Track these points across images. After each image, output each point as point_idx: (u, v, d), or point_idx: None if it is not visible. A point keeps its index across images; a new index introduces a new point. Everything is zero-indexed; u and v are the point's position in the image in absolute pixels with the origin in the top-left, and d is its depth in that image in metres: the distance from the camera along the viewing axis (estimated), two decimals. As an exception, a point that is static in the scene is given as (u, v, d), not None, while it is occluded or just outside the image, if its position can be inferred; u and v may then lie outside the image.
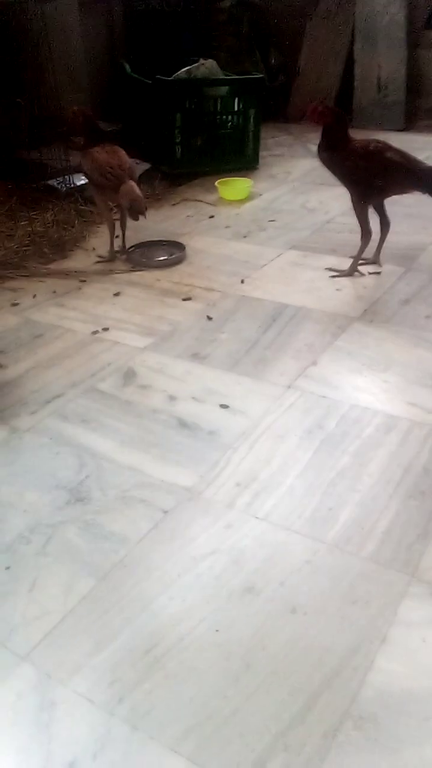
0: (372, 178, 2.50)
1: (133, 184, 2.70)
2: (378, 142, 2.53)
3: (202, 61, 4.02)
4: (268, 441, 1.79)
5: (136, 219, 2.76)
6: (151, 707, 1.15)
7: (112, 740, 1.10)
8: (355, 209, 2.59)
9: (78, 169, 3.42)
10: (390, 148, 2.51)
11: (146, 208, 2.78)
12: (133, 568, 1.42)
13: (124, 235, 2.93)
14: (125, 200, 2.70)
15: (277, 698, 1.16)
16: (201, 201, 3.64)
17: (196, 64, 3.95)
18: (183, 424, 1.86)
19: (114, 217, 2.91)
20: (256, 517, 1.54)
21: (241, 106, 3.96)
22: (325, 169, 2.58)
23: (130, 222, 2.85)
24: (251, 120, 4.02)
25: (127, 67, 4.22)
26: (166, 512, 1.56)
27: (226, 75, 4.12)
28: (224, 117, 3.97)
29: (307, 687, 1.18)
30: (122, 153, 2.78)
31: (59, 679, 1.20)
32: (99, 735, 1.11)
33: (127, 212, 2.77)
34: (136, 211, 2.72)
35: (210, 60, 4.04)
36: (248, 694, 1.17)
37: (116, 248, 2.95)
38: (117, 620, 1.30)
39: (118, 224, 2.90)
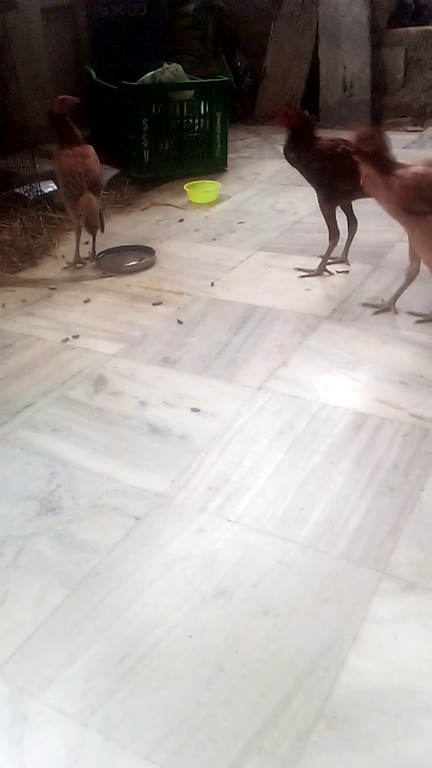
0: (338, 180, 2.51)
1: (91, 197, 2.70)
2: (346, 143, 2.55)
3: (166, 65, 4.02)
4: (240, 443, 1.79)
5: (92, 233, 2.80)
6: (125, 716, 1.14)
7: (86, 751, 1.10)
8: (322, 210, 2.61)
9: (46, 177, 3.42)
10: (356, 150, 2.53)
11: (102, 224, 2.81)
12: (106, 576, 1.41)
13: (94, 241, 2.92)
14: (82, 213, 2.72)
15: (251, 701, 1.16)
16: (170, 205, 3.64)
17: (160, 69, 3.95)
18: (154, 430, 1.86)
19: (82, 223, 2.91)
20: (228, 520, 1.54)
21: (207, 109, 3.96)
22: (294, 169, 2.59)
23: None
24: (218, 123, 4.03)
25: (93, 73, 4.21)
26: (138, 519, 1.56)
27: (192, 79, 4.13)
28: (191, 121, 3.97)
29: (281, 688, 1.18)
30: (92, 159, 2.78)
31: (31, 692, 1.19)
32: (73, 747, 1.10)
33: (83, 225, 2.78)
34: (92, 226, 2.75)
35: (175, 64, 4.04)
36: (222, 699, 1.17)
37: (86, 255, 2.94)
38: (90, 630, 1.30)
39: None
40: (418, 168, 2.04)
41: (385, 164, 2.06)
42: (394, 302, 2.37)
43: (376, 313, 2.38)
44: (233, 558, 1.44)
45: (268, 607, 1.33)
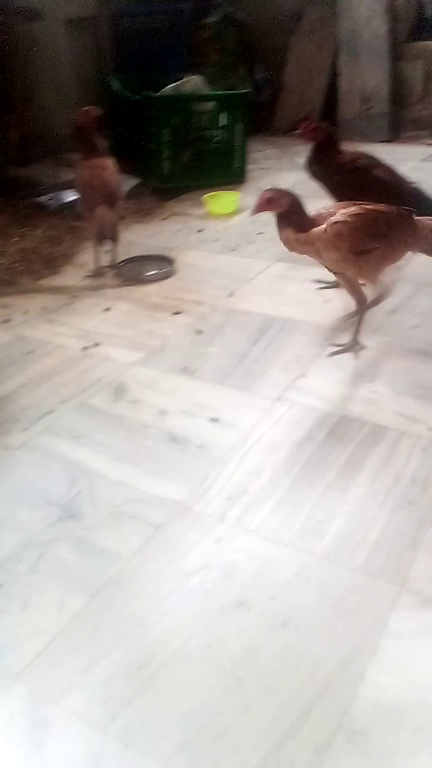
0: (359, 194, 2.52)
1: (104, 210, 2.74)
2: (368, 157, 2.56)
3: (188, 77, 4.07)
4: (258, 454, 1.80)
5: (100, 245, 2.88)
6: (144, 724, 1.15)
7: (105, 758, 1.10)
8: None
9: (67, 186, 3.46)
10: (378, 165, 2.55)
11: (116, 237, 2.86)
12: (125, 584, 1.42)
13: (114, 250, 2.95)
14: (95, 225, 2.79)
15: (269, 713, 1.17)
16: (189, 215, 3.66)
17: (182, 80, 3.99)
18: (173, 439, 1.87)
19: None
20: (247, 531, 1.55)
21: (227, 120, 4.00)
22: (315, 181, 2.61)
23: (120, 237, 2.88)
24: (238, 134, 4.06)
25: (115, 83, 4.26)
26: (157, 527, 1.57)
27: (213, 90, 4.17)
28: (211, 132, 4.01)
29: (299, 701, 1.18)
30: (109, 171, 2.81)
31: (52, 697, 1.20)
32: (92, 753, 1.11)
33: (95, 236, 2.85)
34: (105, 238, 2.83)
35: (196, 76, 4.09)
36: (240, 709, 1.17)
37: (106, 264, 2.97)
38: (109, 637, 1.31)
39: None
40: (352, 209, 2.01)
41: (304, 220, 2.00)
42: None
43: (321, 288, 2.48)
44: (252, 569, 1.45)
45: (287, 618, 1.33)
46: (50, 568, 1.47)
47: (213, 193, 3.75)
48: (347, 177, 2.52)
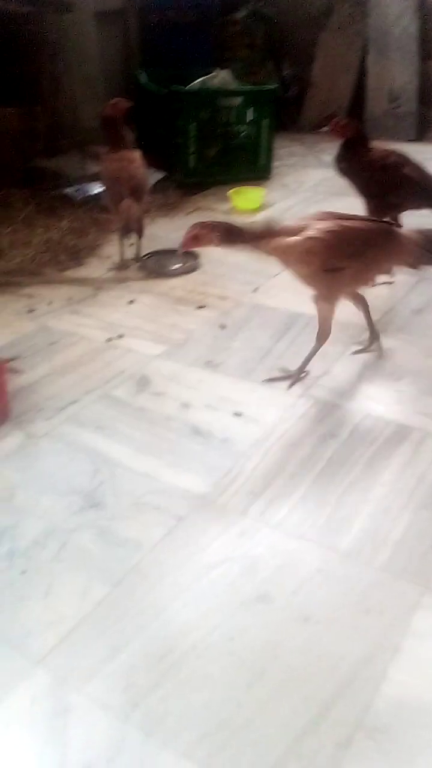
0: (386, 191, 2.51)
1: (130, 203, 2.74)
2: (398, 155, 2.55)
3: (216, 71, 4.06)
4: (282, 449, 1.79)
5: (125, 238, 2.89)
6: (165, 714, 1.15)
7: (126, 746, 1.11)
8: (369, 220, 2.60)
9: (93, 178, 3.47)
10: (408, 163, 2.53)
11: (141, 230, 2.87)
12: (147, 574, 1.43)
13: (139, 243, 2.96)
14: (120, 218, 2.79)
15: (290, 707, 1.16)
16: (214, 210, 3.66)
17: (210, 75, 3.99)
18: (196, 432, 1.87)
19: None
20: (269, 525, 1.55)
21: (254, 116, 3.99)
22: (343, 178, 2.60)
23: (144, 230, 2.89)
24: (265, 130, 4.05)
25: (142, 77, 4.26)
26: (179, 519, 1.57)
27: (240, 86, 4.16)
28: (238, 127, 4.00)
29: (320, 696, 1.18)
30: (136, 164, 2.82)
31: (74, 684, 1.21)
32: (114, 741, 1.12)
33: (119, 229, 2.86)
34: (130, 230, 2.83)
35: (224, 70, 4.08)
36: (261, 703, 1.17)
37: (131, 256, 2.97)
38: (131, 626, 1.31)
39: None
40: (328, 225, 1.87)
41: (250, 237, 1.85)
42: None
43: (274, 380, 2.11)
44: (274, 563, 1.45)
45: (309, 614, 1.33)
46: (73, 556, 1.48)
47: (238, 188, 3.75)
48: (376, 174, 2.51)
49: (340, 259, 1.90)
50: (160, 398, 2.03)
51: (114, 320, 2.52)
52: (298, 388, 2.05)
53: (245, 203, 3.65)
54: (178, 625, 1.32)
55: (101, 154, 2.92)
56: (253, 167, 4.11)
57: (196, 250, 2.99)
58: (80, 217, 3.34)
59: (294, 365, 2.13)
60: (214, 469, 1.73)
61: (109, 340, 2.37)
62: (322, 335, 2.06)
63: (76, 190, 3.51)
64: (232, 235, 1.85)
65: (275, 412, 1.94)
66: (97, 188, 3.48)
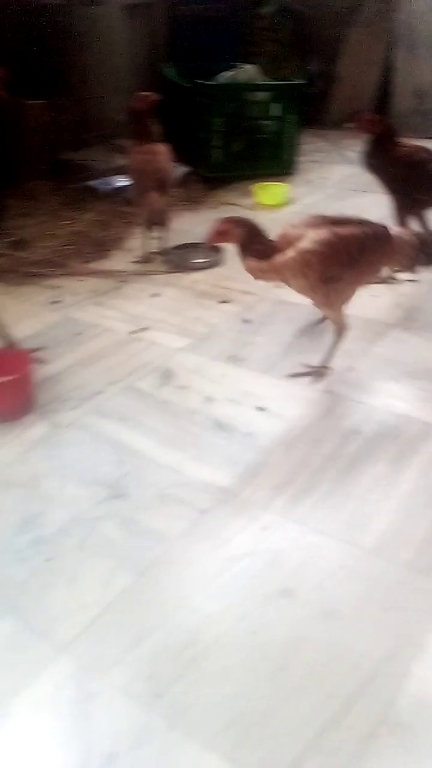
0: (412, 188, 2.49)
1: (155, 196, 2.75)
2: (426, 152, 2.53)
3: (243, 66, 4.04)
4: (305, 445, 1.79)
5: (150, 230, 2.89)
6: (189, 704, 1.16)
7: (149, 735, 1.12)
8: (396, 219, 2.59)
9: (118, 171, 3.48)
10: (434, 159, 2.51)
11: (165, 223, 2.87)
12: (171, 565, 1.44)
13: (163, 237, 2.96)
14: (145, 211, 2.80)
15: (313, 702, 1.17)
16: (238, 205, 3.65)
17: (238, 69, 3.97)
18: (220, 426, 1.87)
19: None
20: (293, 520, 1.55)
21: (280, 111, 3.97)
22: (370, 174, 2.58)
23: (169, 223, 2.89)
24: (290, 125, 4.03)
25: (169, 71, 4.26)
26: (202, 512, 1.58)
27: (266, 80, 4.14)
28: (263, 122, 3.98)
29: (342, 691, 1.18)
30: (162, 157, 2.82)
31: (98, 671, 1.22)
32: (137, 729, 1.12)
33: (144, 222, 2.87)
34: (154, 223, 2.84)
35: (252, 65, 4.06)
36: (284, 696, 1.18)
37: (155, 250, 2.98)
38: (154, 616, 1.32)
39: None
40: (322, 235, 1.84)
41: (265, 247, 1.85)
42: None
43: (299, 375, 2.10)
44: (297, 558, 1.45)
45: (332, 609, 1.33)
46: (97, 545, 1.49)
47: (262, 183, 3.74)
48: (403, 171, 2.49)
49: (337, 269, 1.87)
50: (184, 391, 2.04)
51: (138, 313, 2.52)
52: (321, 384, 2.05)
53: (269, 198, 3.64)
54: (201, 616, 1.32)
55: (128, 147, 2.93)
56: (278, 162, 4.09)
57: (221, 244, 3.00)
58: (105, 210, 3.35)
59: (317, 361, 2.12)
60: (237, 463, 1.73)
61: (134, 332, 2.38)
62: (339, 330, 2.07)
63: (102, 183, 3.53)
64: (253, 237, 1.84)
65: (298, 408, 1.94)
66: (122, 181, 3.49)
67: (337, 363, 2.13)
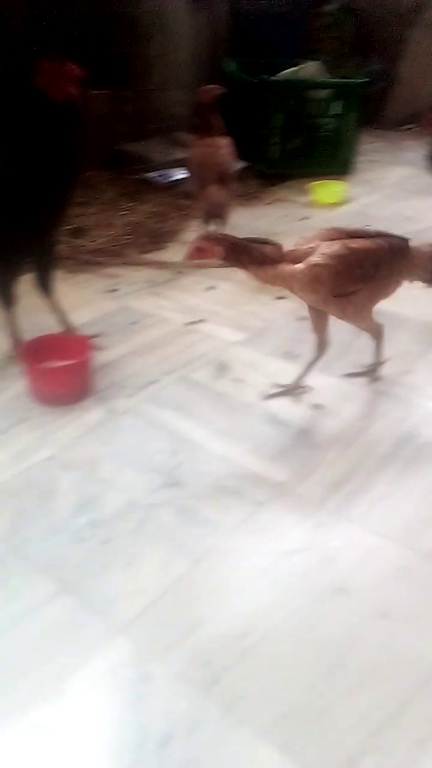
0: None
1: (215, 190, 2.75)
2: None
3: (304, 63, 4.02)
4: (361, 445, 1.78)
5: (208, 224, 2.86)
6: (244, 692, 1.17)
7: (205, 720, 1.13)
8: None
9: (177, 164, 3.50)
10: None
11: (225, 217, 2.85)
12: (226, 555, 1.44)
13: (220, 231, 2.96)
14: (204, 204, 2.80)
15: (369, 700, 1.16)
16: (294, 202, 3.64)
17: (300, 66, 3.95)
18: (275, 420, 1.87)
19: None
20: (348, 519, 1.54)
21: (341, 109, 3.94)
22: (422, 177, 2.55)
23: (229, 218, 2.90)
24: (350, 124, 3.99)
25: (230, 65, 4.26)
26: (258, 504, 1.58)
27: (327, 78, 4.11)
28: (323, 120, 3.96)
29: (399, 692, 1.17)
30: (224, 151, 2.83)
31: (155, 654, 1.23)
32: (194, 713, 1.13)
33: (203, 215, 2.87)
34: (212, 217, 2.82)
35: (314, 62, 4.04)
36: (340, 693, 1.17)
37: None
38: (210, 604, 1.33)
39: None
40: (335, 249, 1.75)
41: (260, 254, 1.74)
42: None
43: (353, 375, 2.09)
44: (352, 557, 1.44)
45: (388, 610, 1.32)
46: (153, 530, 1.50)
47: (319, 181, 3.71)
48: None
49: (349, 284, 1.80)
50: (239, 385, 2.04)
51: (193, 304, 2.53)
52: (378, 385, 2.03)
53: (327, 197, 3.62)
54: (255, 608, 1.33)
55: (189, 139, 2.94)
56: (335, 161, 4.06)
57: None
58: (163, 202, 3.37)
59: (368, 363, 2.11)
60: (293, 458, 1.73)
61: (189, 323, 2.39)
62: (373, 335, 2.01)
63: (160, 175, 3.55)
64: (237, 251, 1.73)
65: (355, 407, 1.93)
66: (180, 174, 3.50)
67: (394, 366, 2.10)
